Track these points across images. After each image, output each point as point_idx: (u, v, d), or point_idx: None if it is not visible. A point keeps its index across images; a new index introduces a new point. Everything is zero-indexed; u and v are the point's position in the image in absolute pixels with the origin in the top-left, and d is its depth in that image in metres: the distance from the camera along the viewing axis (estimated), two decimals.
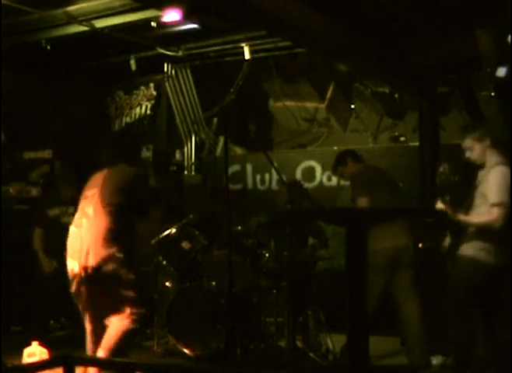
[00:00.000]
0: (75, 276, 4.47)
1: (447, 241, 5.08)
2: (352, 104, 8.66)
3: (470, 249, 4.77)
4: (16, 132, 7.66)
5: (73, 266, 4.47)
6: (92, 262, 4.38)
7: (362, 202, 5.39)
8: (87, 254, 4.38)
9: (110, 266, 4.39)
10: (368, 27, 6.16)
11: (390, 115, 8.46)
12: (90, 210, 4.52)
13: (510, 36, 5.75)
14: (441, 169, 5.02)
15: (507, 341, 4.64)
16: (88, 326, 4.63)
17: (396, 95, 8.14)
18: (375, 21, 6.17)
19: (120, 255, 4.41)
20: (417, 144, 7.27)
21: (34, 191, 7.61)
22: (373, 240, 5.09)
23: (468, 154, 4.91)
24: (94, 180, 4.71)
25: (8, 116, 7.43)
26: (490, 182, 4.69)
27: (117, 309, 4.44)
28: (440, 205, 4.82)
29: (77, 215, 4.62)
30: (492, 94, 7.10)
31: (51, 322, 6.98)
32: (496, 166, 4.75)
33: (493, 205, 4.62)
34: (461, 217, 4.78)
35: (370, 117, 8.71)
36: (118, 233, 4.47)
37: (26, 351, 5.10)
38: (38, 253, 6.58)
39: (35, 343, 5.11)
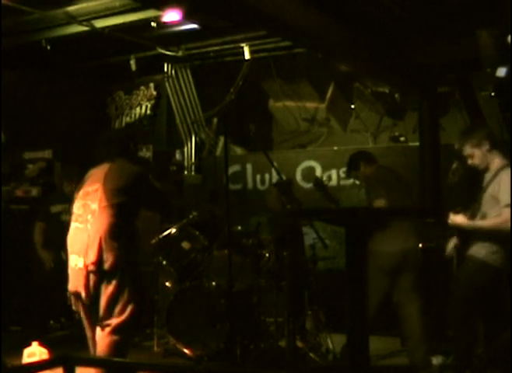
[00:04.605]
0: (76, 272, 4.32)
1: (453, 241, 5.05)
2: (352, 104, 8.66)
3: (482, 251, 4.72)
4: (16, 132, 7.66)
5: (77, 262, 4.33)
6: (101, 257, 4.25)
7: (380, 204, 5.27)
8: (96, 250, 4.25)
9: (118, 263, 4.27)
10: (368, 27, 6.16)
11: (390, 115, 8.46)
12: (95, 206, 4.38)
13: (510, 36, 5.74)
14: (454, 166, 4.97)
15: (507, 341, 4.64)
16: (88, 333, 4.46)
17: (396, 95, 8.14)
18: (375, 21, 6.16)
19: (125, 252, 4.32)
20: (417, 144, 7.25)
21: (34, 191, 7.61)
22: (382, 242, 5.10)
23: (469, 161, 4.88)
24: (94, 175, 4.57)
25: (8, 116, 7.42)
26: (502, 184, 4.64)
27: (111, 313, 4.30)
28: (454, 218, 4.79)
29: (79, 211, 4.47)
30: (492, 94, 7.10)
31: (51, 322, 6.98)
32: (506, 168, 4.71)
33: (506, 206, 4.57)
34: (474, 224, 4.73)
35: (370, 117, 8.70)
36: (122, 230, 4.38)
37: (26, 351, 5.10)
38: (37, 248, 6.56)
39: (35, 343, 5.11)
